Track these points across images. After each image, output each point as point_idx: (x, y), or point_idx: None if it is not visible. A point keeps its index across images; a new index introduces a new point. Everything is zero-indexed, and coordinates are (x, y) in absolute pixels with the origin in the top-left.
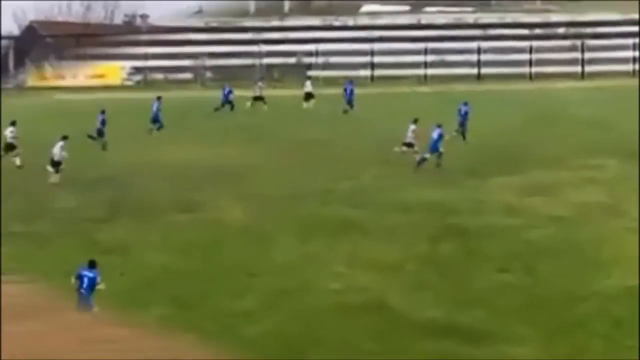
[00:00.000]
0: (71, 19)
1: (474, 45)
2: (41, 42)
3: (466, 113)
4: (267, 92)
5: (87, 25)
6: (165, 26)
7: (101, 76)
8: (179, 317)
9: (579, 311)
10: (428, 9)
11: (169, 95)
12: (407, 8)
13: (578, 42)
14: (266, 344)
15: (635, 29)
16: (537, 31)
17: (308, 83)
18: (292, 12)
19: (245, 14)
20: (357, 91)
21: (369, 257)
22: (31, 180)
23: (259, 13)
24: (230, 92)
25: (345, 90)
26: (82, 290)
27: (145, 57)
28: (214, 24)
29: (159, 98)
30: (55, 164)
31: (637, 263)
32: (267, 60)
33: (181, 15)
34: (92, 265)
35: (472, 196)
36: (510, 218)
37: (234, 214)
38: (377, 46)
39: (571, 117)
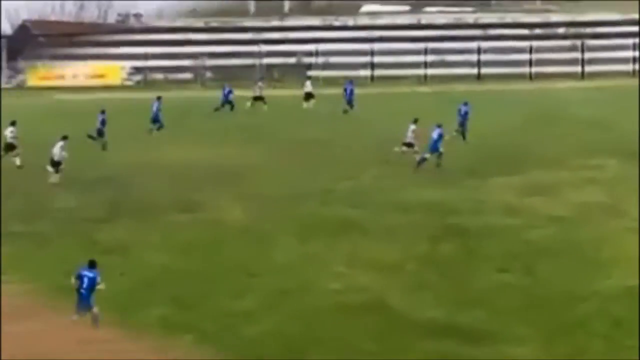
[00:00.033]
0: (64, 19)
1: (474, 45)
2: (34, 41)
3: (466, 113)
4: (267, 92)
5: (80, 24)
6: (165, 26)
7: (101, 76)
8: (179, 318)
9: (579, 311)
10: (428, 9)
11: (169, 95)
12: (407, 8)
13: (578, 42)
14: (266, 344)
15: (635, 28)
16: (537, 31)
17: (308, 83)
18: (292, 12)
19: (245, 13)
20: (357, 91)
21: (369, 257)
22: (31, 180)
23: (259, 13)
24: (230, 92)
25: (346, 90)
26: (82, 291)
27: (145, 57)
28: (214, 24)
29: (159, 98)
30: (55, 164)
31: (637, 263)
32: (267, 60)
33: (173, 14)
34: (92, 265)
35: (472, 196)
36: (510, 218)
37: (234, 214)
38: (377, 46)
39: (571, 117)
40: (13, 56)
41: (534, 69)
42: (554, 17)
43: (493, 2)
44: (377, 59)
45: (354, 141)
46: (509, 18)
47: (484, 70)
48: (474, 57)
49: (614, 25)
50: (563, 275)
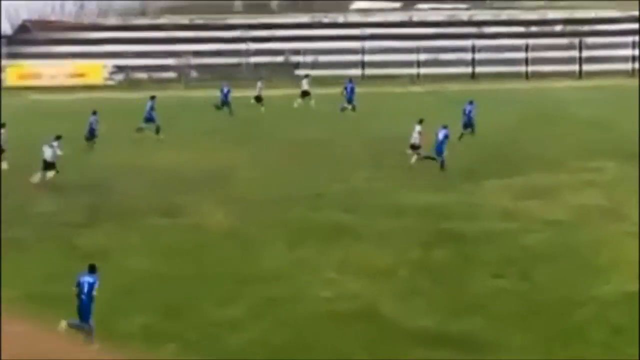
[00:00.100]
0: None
1: (468, 43)
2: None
3: (470, 112)
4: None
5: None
6: (148, 23)
7: (82, 75)
8: (162, 326)
9: (577, 318)
10: (420, 5)
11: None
12: (398, 5)
13: (575, 40)
14: (253, 354)
15: (634, 26)
16: (533, 29)
17: (305, 81)
18: (281, 9)
19: (231, 10)
20: (334, 91)
21: (360, 263)
22: (10, 183)
23: (247, 10)
24: (229, 91)
25: (346, 88)
26: (83, 297)
27: (127, 55)
28: (199, 21)
29: (152, 97)
30: (49, 165)
31: (636, 268)
32: (254, 59)
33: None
34: (92, 270)
35: (467, 199)
36: (506, 222)
37: (219, 218)
38: (367, 44)
39: (569, 118)
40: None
41: (530, 68)
42: (551, 14)
43: None
44: (368, 58)
45: (345, 142)
46: (504, 15)
47: (479, 69)
48: (468, 56)
49: (612, 22)
50: (560, 280)
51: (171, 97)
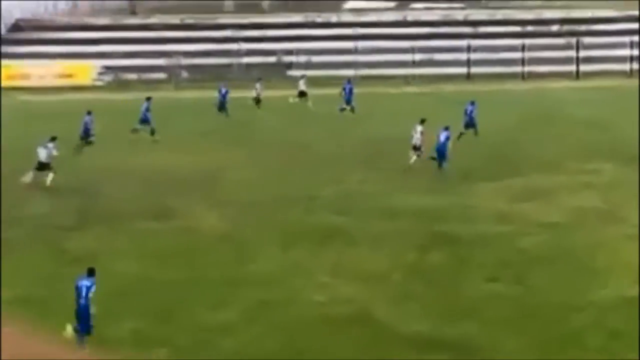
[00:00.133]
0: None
1: (463, 43)
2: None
3: (472, 112)
4: (248, 93)
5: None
6: (138, 23)
7: (70, 76)
8: (153, 331)
9: (573, 322)
10: (415, 5)
11: (142, 96)
12: (392, 4)
13: (573, 40)
14: (245, 359)
15: (631, 26)
16: (530, 28)
17: (302, 82)
18: (272, 9)
19: (222, 10)
20: (332, 91)
21: (354, 267)
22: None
23: (238, 10)
24: (227, 92)
25: (344, 89)
26: (81, 301)
27: (117, 55)
28: (190, 21)
29: (148, 99)
30: (43, 166)
31: (634, 271)
32: (246, 60)
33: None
34: (90, 273)
35: (462, 202)
36: (502, 225)
37: (213, 221)
38: (361, 44)
39: (566, 119)
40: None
41: (527, 68)
42: (547, 14)
43: None
44: (361, 58)
45: (339, 143)
46: (500, 15)
47: (474, 70)
48: (463, 56)
49: (609, 22)
50: (557, 284)
51: (161, 98)
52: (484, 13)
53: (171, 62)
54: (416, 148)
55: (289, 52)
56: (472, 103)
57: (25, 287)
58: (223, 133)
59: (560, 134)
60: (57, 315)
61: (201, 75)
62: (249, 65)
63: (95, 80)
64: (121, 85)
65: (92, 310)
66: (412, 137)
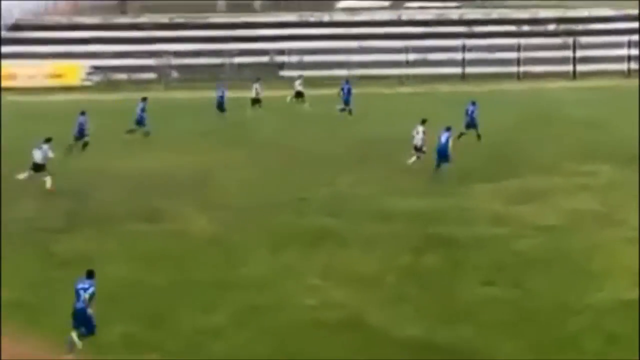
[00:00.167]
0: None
1: (458, 42)
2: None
3: (473, 112)
4: (240, 94)
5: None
6: (127, 22)
7: (58, 76)
8: (143, 335)
9: (570, 326)
10: (409, 4)
11: (133, 96)
12: (386, 4)
13: (569, 40)
14: None
15: (629, 25)
16: (526, 28)
17: (298, 82)
18: (263, 9)
19: (214, 9)
20: (334, 92)
21: (346, 270)
22: None
23: (230, 9)
24: (224, 92)
25: (342, 90)
26: (78, 303)
27: (106, 55)
28: (180, 20)
29: (144, 99)
30: (39, 168)
31: (631, 274)
32: (238, 59)
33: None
34: (89, 275)
35: (457, 204)
36: (498, 227)
37: (203, 224)
38: (354, 44)
39: (562, 120)
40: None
41: (522, 68)
42: (544, 13)
43: None
44: (354, 58)
45: (333, 144)
46: (495, 14)
47: (469, 70)
48: (458, 56)
49: (607, 21)
50: (553, 287)
51: (152, 99)
52: (479, 12)
53: (161, 62)
54: (418, 149)
55: (282, 52)
56: (474, 103)
57: (15, 291)
58: (214, 134)
59: (557, 135)
60: (44, 319)
61: (192, 75)
62: (240, 66)
63: (84, 80)
64: (111, 85)
65: (89, 311)
66: (413, 137)
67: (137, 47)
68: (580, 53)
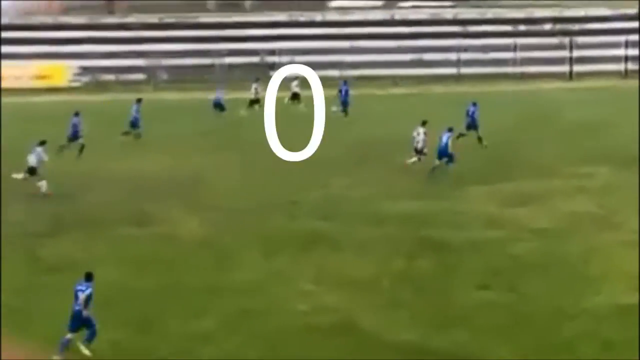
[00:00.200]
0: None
1: (452, 42)
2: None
3: (474, 114)
4: (232, 95)
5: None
6: (116, 22)
7: (45, 77)
8: (132, 341)
9: (567, 331)
10: (402, 3)
11: (121, 97)
12: (379, 3)
13: (566, 40)
14: None
15: (626, 25)
16: (521, 27)
17: (294, 83)
18: (253, 8)
19: (204, 9)
20: (326, 93)
21: (339, 274)
22: None
23: (219, 9)
24: (222, 93)
25: (340, 91)
26: (76, 307)
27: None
28: (169, 20)
29: (138, 101)
30: (32, 171)
31: (628, 279)
32: (228, 60)
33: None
34: (88, 278)
35: (452, 207)
36: (493, 230)
37: (193, 227)
38: (347, 44)
39: (559, 121)
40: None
41: (518, 69)
42: (540, 13)
43: None
44: (347, 58)
45: (326, 146)
46: (491, 13)
47: (464, 70)
48: (453, 56)
49: (604, 20)
50: (550, 292)
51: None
52: (474, 12)
53: (150, 63)
54: (419, 151)
55: (272, 52)
56: (474, 104)
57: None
58: (206, 136)
59: (553, 136)
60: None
61: (181, 76)
62: (231, 66)
63: (71, 81)
64: (98, 86)
65: (85, 313)
66: (413, 139)
67: (126, 47)
68: (576, 53)
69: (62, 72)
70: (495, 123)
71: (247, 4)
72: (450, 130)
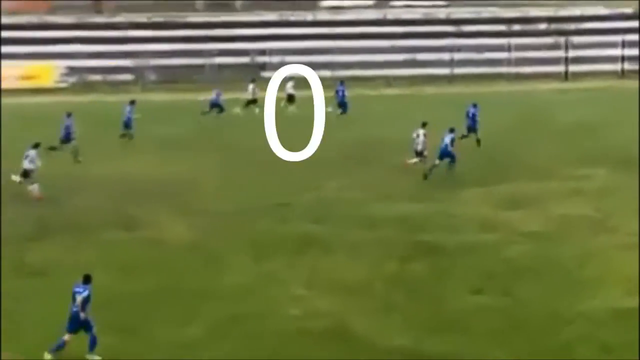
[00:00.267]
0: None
1: (446, 42)
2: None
3: (474, 115)
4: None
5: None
6: (103, 22)
7: (31, 77)
8: (120, 347)
9: (562, 335)
10: (395, 3)
11: (108, 98)
12: (372, 2)
13: (561, 39)
14: None
15: (623, 24)
16: (516, 27)
17: (289, 85)
18: (243, 8)
19: (193, 8)
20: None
21: (331, 278)
22: None
23: (209, 8)
24: (219, 95)
25: (337, 92)
26: (74, 309)
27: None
28: (158, 19)
29: (132, 102)
30: (26, 173)
31: (625, 282)
32: (218, 60)
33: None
34: (86, 280)
35: (446, 209)
36: (487, 233)
37: (182, 231)
38: (338, 44)
39: (554, 122)
40: None
41: (513, 69)
42: (534, 12)
43: None
44: (338, 58)
45: (318, 147)
46: (485, 13)
47: (458, 70)
48: (446, 56)
49: (600, 20)
50: (545, 296)
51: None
52: (468, 11)
53: (138, 63)
54: (419, 153)
55: (263, 52)
56: (475, 105)
57: None
58: (195, 138)
59: (549, 137)
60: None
61: (170, 76)
62: (221, 66)
63: (58, 82)
64: (86, 87)
65: (82, 315)
66: (413, 141)
67: (113, 47)
68: (572, 53)
69: (49, 72)
70: (489, 124)
71: (238, 3)
72: (452, 130)
